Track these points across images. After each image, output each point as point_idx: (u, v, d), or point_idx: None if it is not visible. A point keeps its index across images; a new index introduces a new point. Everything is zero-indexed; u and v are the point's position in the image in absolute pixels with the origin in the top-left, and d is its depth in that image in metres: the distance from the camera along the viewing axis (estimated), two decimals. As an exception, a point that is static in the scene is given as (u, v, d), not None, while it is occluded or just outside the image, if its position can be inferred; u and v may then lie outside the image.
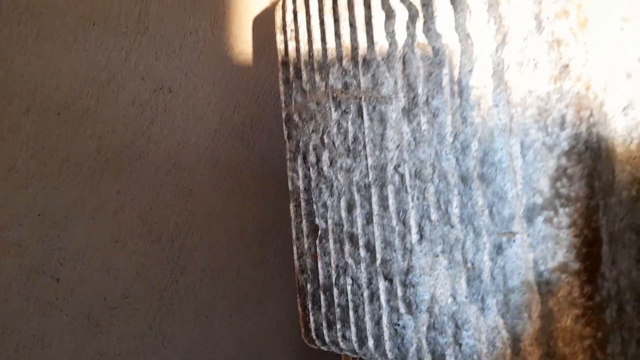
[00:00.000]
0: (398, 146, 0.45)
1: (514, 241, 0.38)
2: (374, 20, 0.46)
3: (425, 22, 0.42)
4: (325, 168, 0.53)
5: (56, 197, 0.62)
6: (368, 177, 0.48)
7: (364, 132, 0.48)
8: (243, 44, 0.76)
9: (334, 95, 0.51)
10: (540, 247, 0.36)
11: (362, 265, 0.49)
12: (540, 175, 0.37)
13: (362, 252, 0.48)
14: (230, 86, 0.75)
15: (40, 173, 0.61)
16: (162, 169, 0.70)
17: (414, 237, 0.43)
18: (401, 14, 0.44)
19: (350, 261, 0.50)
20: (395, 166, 0.45)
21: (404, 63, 0.44)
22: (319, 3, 0.53)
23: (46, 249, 0.62)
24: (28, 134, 0.60)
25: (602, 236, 0.35)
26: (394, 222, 0.45)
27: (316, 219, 0.55)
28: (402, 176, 0.44)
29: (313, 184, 0.55)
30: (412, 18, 0.43)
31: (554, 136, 0.36)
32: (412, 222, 0.43)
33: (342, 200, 0.51)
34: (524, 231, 0.37)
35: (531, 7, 0.37)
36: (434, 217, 0.42)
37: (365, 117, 0.47)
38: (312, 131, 0.55)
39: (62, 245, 0.63)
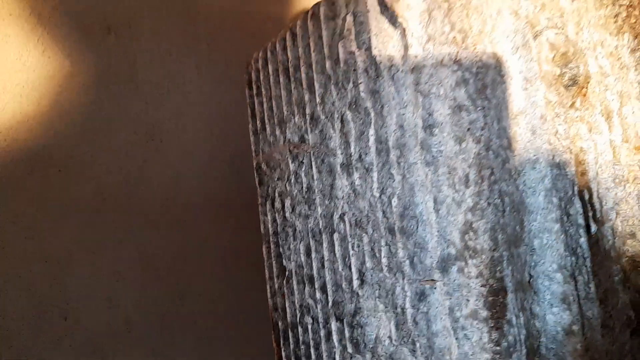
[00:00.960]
0: (342, 197, 0.49)
1: (435, 288, 0.41)
2: (315, 83, 0.51)
3: (355, 85, 0.46)
4: (288, 214, 0.57)
5: (59, 239, 0.70)
6: (320, 224, 0.52)
7: (315, 183, 0.52)
8: (229, 83, 0.82)
9: (290, 148, 0.55)
10: (455, 295, 0.40)
11: (319, 306, 0.53)
12: (452, 229, 0.40)
13: (318, 294, 0.52)
14: (219, 123, 0.81)
15: (44, 220, 0.68)
16: (156, 204, 0.77)
17: (356, 282, 0.47)
18: (336, 77, 0.48)
19: (310, 302, 0.54)
20: (340, 215, 0.49)
21: (342, 122, 0.48)
22: (275, 64, 0.58)
23: (53, 288, 0.70)
24: (33, 191, 0.67)
25: (507, 285, 0.38)
26: (341, 267, 0.49)
27: (284, 260, 0.59)
28: (345, 225, 0.48)
29: (280, 228, 0.59)
30: (346, 80, 0.47)
31: (460, 193, 0.39)
32: (354, 268, 0.47)
33: (301, 245, 0.55)
34: (441, 280, 0.40)
35: (433, 74, 0.40)
36: (368, 264, 0.45)
37: (315, 169, 0.52)
38: (278, 179, 0.59)
39: (67, 282, 0.70)
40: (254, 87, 0.63)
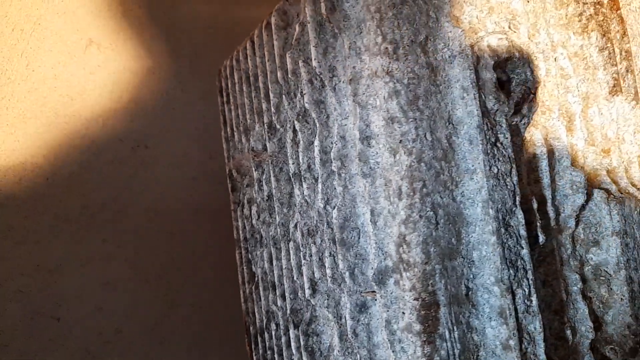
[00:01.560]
0: (297, 206, 0.49)
1: (375, 300, 0.41)
2: (270, 92, 0.51)
3: (302, 95, 0.46)
4: (254, 221, 0.58)
5: (50, 249, 0.72)
6: (279, 233, 0.52)
7: (274, 191, 0.53)
8: (213, 96, 0.83)
9: (253, 156, 0.56)
10: (393, 307, 0.39)
11: (280, 313, 0.53)
12: (389, 241, 0.40)
13: (279, 301, 0.53)
14: (204, 136, 0.82)
15: (35, 230, 0.71)
16: (145, 217, 0.79)
17: (308, 291, 0.47)
18: (287, 87, 0.48)
19: (274, 308, 0.55)
20: (295, 224, 0.49)
21: (293, 132, 0.48)
22: (240, 72, 0.58)
23: (45, 294, 0.73)
24: (22, 199, 0.70)
25: (440, 299, 0.37)
26: (296, 276, 0.49)
27: (253, 266, 0.60)
28: (298, 234, 0.48)
29: (249, 234, 0.60)
30: (295, 90, 0.47)
31: (395, 205, 0.39)
32: (306, 277, 0.47)
33: (265, 252, 0.56)
34: (380, 292, 0.40)
35: (369, 85, 0.40)
36: (317, 274, 0.46)
37: (273, 178, 0.52)
38: (247, 185, 0.60)
39: (58, 290, 0.73)
40: (224, 94, 0.64)
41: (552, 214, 0.44)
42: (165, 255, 0.81)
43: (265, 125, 0.53)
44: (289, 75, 0.47)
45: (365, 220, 0.41)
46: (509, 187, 0.39)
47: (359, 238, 0.42)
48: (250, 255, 0.60)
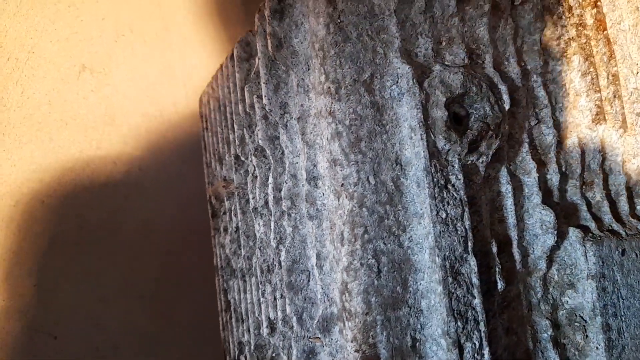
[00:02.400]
0: (258, 241, 0.48)
1: (324, 346, 0.40)
2: (235, 124, 0.50)
3: (257, 131, 0.45)
4: (227, 250, 0.57)
5: (47, 269, 0.74)
6: (244, 266, 0.52)
7: (240, 223, 0.52)
8: (208, 117, 0.83)
9: (223, 185, 0.55)
10: (338, 357, 0.38)
11: (247, 348, 0.52)
12: (334, 287, 0.38)
13: (246, 335, 0.52)
14: (198, 158, 0.82)
15: (32, 251, 0.73)
16: (139, 235, 0.80)
17: (265, 329, 0.46)
18: (248, 120, 0.48)
19: (243, 340, 0.54)
20: (257, 259, 0.49)
21: (253, 165, 0.47)
22: (214, 100, 0.58)
23: (43, 312, 0.75)
24: (19, 222, 0.73)
25: (381, 352, 0.36)
26: (257, 313, 0.49)
27: (228, 295, 0.59)
28: (258, 270, 0.48)
29: (224, 263, 0.60)
30: (254, 124, 0.46)
31: (338, 250, 0.37)
32: (263, 315, 0.46)
33: (235, 283, 0.55)
34: (324, 339, 0.39)
35: (316, 124, 0.39)
36: (271, 315, 0.45)
37: (239, 209, 0.51)
38: (223, 213, 0.60)
39: (56, 308, 0.75)
40: (203, 120, 0.64)
41: (517, 256, 0.41)
42: (160, 272, 0.81)
43: (232, 156, 0.52)
44: (247, 109, 0.46)
45: (312, 264, 0.40)
46: (459, 232, 0.37)
47: (308, 281, 0.40)
48: (225, 284, 0.60)
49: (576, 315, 0.43)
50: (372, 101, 0.37)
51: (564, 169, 0.46)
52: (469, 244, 0.37)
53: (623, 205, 0.48)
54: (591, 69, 0.47)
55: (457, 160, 0.38)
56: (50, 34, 0.72)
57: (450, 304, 0.35)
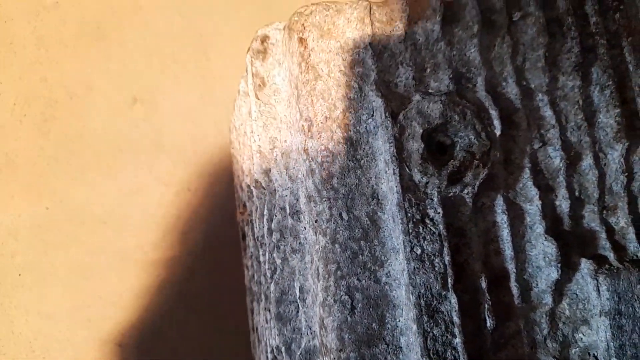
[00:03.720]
0: (262, 270, 0.50)
1: (311, 378, 0.40)
2: (245, 153, 0.52)
3: (253, 164, 0.47)
4: (249, 273, 0.60)
5: (110, 284, 0.82)
6: (259, 291, 0.53)
7: (252, 250, 0.54)
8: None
9: (241, 211, 0.58)
10: (320, 390, 0.38)
11: (263, 369, 0.54)
12: (315, 320, 0.39)
13: (262, 358, 0.54)
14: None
15: (96, 267, 0.81)
16: (192, 256, 0.85)
17: (270, 355, 0.48)
18: (249, 153, 0.49)
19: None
20: (261, 286, 0.50)
21: (256, 197, 0.49)
22: (234, 130, 0.61)
23: (109, 323, 0.82)
24: (83, 240, 0.81)
25: (355, 389, 0.35)
26: (266, 337, 0.50)
27: (254, 316, 0.62)
28: (263, 297, 0.49)
29: (249, 284, 0.62)
30: (253, 157, 0.48)
31: (316, 285, 0.38)
32: (268, 342, 0.48)
33: (255, 305, 0.57)
34: (309, 372, 0.39)
35: (297, 159, 0.40)
36: (272, 342, 0.46)
37: (251, 236, 0.54)
38: (244, 237, 0.62)
39: (119, 320, 0.83)
40: (231, 146, 0.67)
41: (516, 291, 0.39)
42: (214, 287, 0.86)
43: (245, 185, 0.54)
44: (249, 142, 0.48)
45: (297, 296, 0.41)
46: (437, 269, 0.35)
47: (297, 312, 0.41)
48: (251, 305, 0.62)
49: (590, 355, 0.40)
50: (345, 137, 0.37)
51: (577, 194, 0.42)
52: (449, 280, 0.35)
53: (655, 231, 0.43)
54: (610, 82, 0.43)
55: (436, 193, 0.36)
56: (105, 70, 0.80)
57: (425, 344, 0.34)
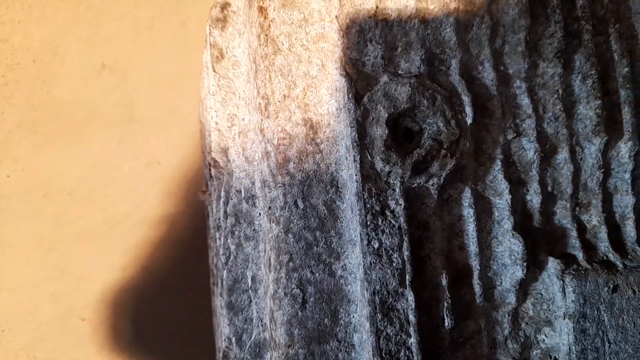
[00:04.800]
0: (219, 255, 0.47)
1: (261, 370, 0.38)
2: (205, 130, 0.49)
3: (210, 142, 0.44)
4: (210, 254, 0.57)
5: (75, 257, 0.80)
6: (215, 274, 0.51)
7: (213, 231, 0.51)
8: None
9: (203, 190, 0.55)
10: (268, 384, 0.36)
11: (220, 355, 0.52)
12: (266, 312, 0.37)
13: (218, 342, 0.52)
14: (216, 152, 0.83)
15: (61, 240, 0.79)
16: (159, 229, 0.83)
17: (224, 343, 0.46)
18: (209, 129, 0.46)
19: (220, 346, 0.54)
20: (217, 271, 0.48)
21: (214, 177, 0.46)
22: (200, 104, 0.57)
23: (73, 297, 0.80)
24: (49, 213, 0.78)
25: (302, 387, 0.34)
26: (221, 324, 0.48)
27: (213, 299, 0.60)
28: (219, 282, 0.47)
29: (211, 266, 0.60)
30: (210, 135, 0.45)
31: (267, 276, 0.36)
32: (223, 330, 0.46)
33: (215, 289, 0.55)
34: (258, 365, 0.37)
35: (254, 140, 0.37)
36: (225, 331, 0.44)
37: (210, 218, 0.51)
38: (207, 216, 0.60)
39: (83, 294, 0.81)
40: (200, 121, 0.64)
41: (478, 289, 0.37)
42: (183, 263, 0.84)
43: (206, 163, 0.52)
44: (207, 118, 0.45)
45: (249, 286, 0.38)
46: (394, 264, 0.33)
47: (249, 302, 0.39)
48: (212, 287, 0.60)
49: (550, 357, 0.38)
50: (305, 118, 0.34)
51: (550, 189, 0.40)
52: (407, 277, 0.33)
53: (629, 231, 0.41)
54: (593, 71, 0.40)
55: (398, 184, 0.34)
56: (72, 34, 0.76)
57: (377, 343, 0.32)
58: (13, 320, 0.80)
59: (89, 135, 0.79)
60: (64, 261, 0.79)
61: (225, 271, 0.40)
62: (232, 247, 0.40)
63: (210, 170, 0.49)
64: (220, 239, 0.44)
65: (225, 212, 0.42)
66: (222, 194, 0.42)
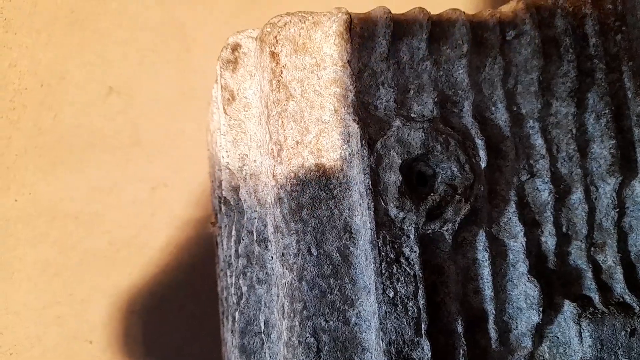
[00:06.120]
0: (228, 290, 0.47)
1: (273, 415, 0.38)
2: (216, 165, 0.49)
3: (221, 181, 0.43)
4: (220, 284, 0.57)
5: (82, 283, 0.79)
6: (225, 308, 0.51)
7: (223, 265, 0.51)
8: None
9: (212, 222, 0.55)
10: None
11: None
12: (280, 358, 0.36)
13: (229, 376, 0.52)
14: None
15: (67, 263, 0.78)
16: (165, 252, 0.82)
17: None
18: (219, 164, 0.46)
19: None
20: (228, 307, 0.48)
21: (224, 214, 0.46)
22: (208, 133, 0.57)
23: (78, 322, 0.80)
24: (55, 236, 0.78)
25: None
26: None
27: (222, 328, 0.59)
28: (231, 318, 0.47)
29: (221, 295, 0.59)
30: (221, 171, 0.45)
31: (281, 322, 0.35)
32: (234, 366, 0.45)
33: (224, 319, 0.55)
34: (271, 411, 0.37)
35: (266, 183, 0.36)
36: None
37: (220, 251, 0.51)
38: (217, 245, 0.59)
39: (90, 317, 0.80)
40: (208, 147, 0.63)
41: (494, 334, 0.36)
42: (187, 287, 0.84)
43: (216, 195, 0.51)
44: (217, 152, 0.45)
45: (261, 329, 0.38)
46: (410, 313, 0.33)
47: (262, 345, 0.39)
48: (222, 317, 0.60)
49: (568, 402, 0.38)
50: (318, 164, 0.34)
51: (565, 229, 0.39)
52: (423, 325, 0.33)
53: (645, 270, 0.40)
54: (607, 110, 0.40)
55: (413, 230, 0.34)
56: (79, 59, 0.76)
57: (393, 394, 0.32)
58: (20, 344, 0.79)
59: (95, 159, 0.78)
60: (70, 284, 0.79)
61: (237, 313, 0.39)
62: (244, 289, 0.39)
63: (220, 204, 0.48)
64: (231, 277, 0.44)
65: (236, 251, 0.41)
66: (234, 232, 0.42)
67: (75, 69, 0.76)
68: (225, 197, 0.43)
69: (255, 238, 0.38)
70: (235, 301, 0.42)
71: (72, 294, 0.79)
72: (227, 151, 0.40)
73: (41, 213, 0.77)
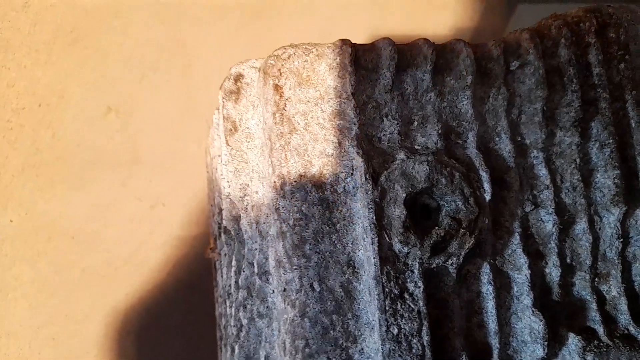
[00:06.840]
0: (227, 319, 0.46)
1: None
2: (215, 192, 0.49)
3: (221, 210, 0.43)
4: (217, 310, 0.56)
5: (78, 301, 0.78)
6: (222, 335, 0.50)
7: (222, 292, 0.50)
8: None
9: (211, 247, 0.54)
10: None
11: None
12: (280, 393, 0.35)
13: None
14: (221, 193, 0.83)
15: (64, 283, 0.78)
16: (163, 271, 0.82)
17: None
18: (219, 191, 0.46)
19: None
20: (227, 337, 0.47)
21: (224, 243, 0.45)
22: (208, 156, 0.57)
23: (73, 343, 0.79)
24: (52, 256, 0.77)
25: None
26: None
27: (219, 355, 0.58)
28: (229, 349, 0.46)
29: (218, 320, 0.59)
30: (222, 200, 0.45)
31: (282, 358, 0.35)
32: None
33: (222, 346, 0.54)
34: None
35: (268, 215, 0.36)
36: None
37: (218, 279, 0.50)
38: (215, 270, 0.59)
39: (86, 336, 0.79)
40: (206, 169, 0.63)
41: (499, 370, 0.36)
42: (186, 307, 0.83)
43: (215, 221, 0.51)
44: (218, 180, 0.44)
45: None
46: (414, 351, 0.32)
47: (263, 376, 0.38)
48: (219, 342, 0.59)
49: None
50: (321, 198, 0.34)
51: (569, 260, 0.39)
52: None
53: (650, 301, 0.40)
54: (610, 140, 0.40)
55: (417, 265, 0.33)
56: (78, 78, 0.76)
57: None
58: (14, 366, 0.78)
59: (93, 178, 0.78)
60: (66, 305, 0.78)
61: (237, 345, 0.39)
62: (245, 321, 0.39)
63: (220, 230, 0.48)
64: (231, 307, 0.43)
65: (236, 282, 0.41)
66: (234, 262, 0.41)
67: (74, 88, 0.75)
68: (225, 227, 0.42)
69: (256, 270, 0.37)
70: (234, 333, 0.41)
71: (67, 314, 0.78)
72: (228, 181, 0.39)
73: (38, 232, 0.76)
